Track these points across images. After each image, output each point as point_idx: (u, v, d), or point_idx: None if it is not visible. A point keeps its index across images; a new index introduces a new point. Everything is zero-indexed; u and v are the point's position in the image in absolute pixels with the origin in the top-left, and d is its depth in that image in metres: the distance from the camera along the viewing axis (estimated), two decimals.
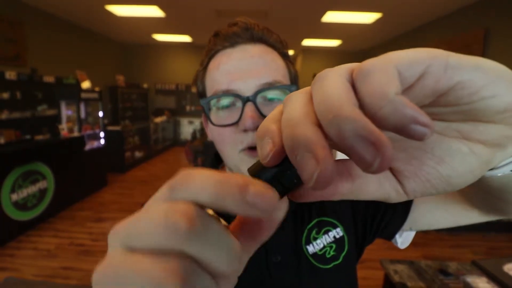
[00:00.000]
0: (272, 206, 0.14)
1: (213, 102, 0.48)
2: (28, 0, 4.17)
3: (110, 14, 4.70)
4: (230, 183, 0.13)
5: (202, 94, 0.54)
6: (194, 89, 0.59)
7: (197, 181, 0.14)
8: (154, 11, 4.49)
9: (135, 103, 6.99)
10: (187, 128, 7.68)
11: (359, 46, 7.00)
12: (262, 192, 0.13)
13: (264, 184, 0.14)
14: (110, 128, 5.13)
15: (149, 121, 6.72)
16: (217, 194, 0.13)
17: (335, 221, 0.55)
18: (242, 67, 0.47)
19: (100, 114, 4.48)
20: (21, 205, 2.71)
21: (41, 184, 2.96)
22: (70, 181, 3.47)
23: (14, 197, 2.63)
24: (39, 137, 3.67)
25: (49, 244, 2.63)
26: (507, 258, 1.42)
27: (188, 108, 7.75)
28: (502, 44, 3.33)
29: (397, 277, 1.31)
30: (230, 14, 4.62)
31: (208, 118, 0.49)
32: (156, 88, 7.66)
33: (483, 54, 3.55)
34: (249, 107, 0.45)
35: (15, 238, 2.65)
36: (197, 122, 7.65)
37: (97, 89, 4.53)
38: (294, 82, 0.53)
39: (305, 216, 0.54)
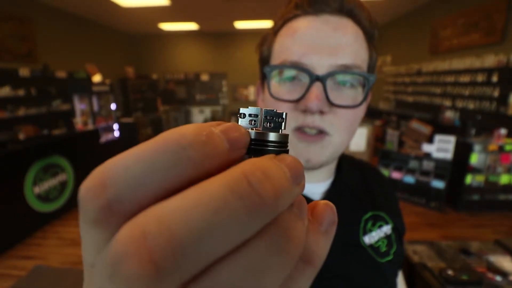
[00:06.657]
0: (241, 139, 0.12)
1: (276, 71, 0.44)
2: None
3: (115, 5, 4.67)
4: (165, 145, 0.11)
5: (266, 60, 0.48)
6: (257, 53, 0.52)
7: (120, 176, 0.11)
8: (159, 0, 4.42)
9: (145, 94, 7.05)
10: (198, 117, 7.70)
11: None
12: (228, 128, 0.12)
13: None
14: (123, 120, 5.21)
15: (160, 111, 6.75)
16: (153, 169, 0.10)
17: (387, 218, 0.53)
18: (321, 41, 0.41)
19: (113, 106, 4.54)
20: (44, 197, 2.82)
21: (61, 177, 3.05)
22: (89, 173, 3.54)
23: (37, 190, 2.73)
24: (56, 132, 3.76)
25: (72, 234, 2.74)
26: None
27: (198, 97, 7.75)
28: None
29: (416, 258, 1.28)
30: None
31: (268, 87, 0.44)
32: (165, 78, 7.67)
33: (506, 24, 3.33)
34: (317, 87, 0.39)
35: (40, 228, 2.78)
36: (207, 111, 7.65)
37: (107, 81, 4.57)
38: (372, 71, 0.47)
39: (358, 207, 0.52)
